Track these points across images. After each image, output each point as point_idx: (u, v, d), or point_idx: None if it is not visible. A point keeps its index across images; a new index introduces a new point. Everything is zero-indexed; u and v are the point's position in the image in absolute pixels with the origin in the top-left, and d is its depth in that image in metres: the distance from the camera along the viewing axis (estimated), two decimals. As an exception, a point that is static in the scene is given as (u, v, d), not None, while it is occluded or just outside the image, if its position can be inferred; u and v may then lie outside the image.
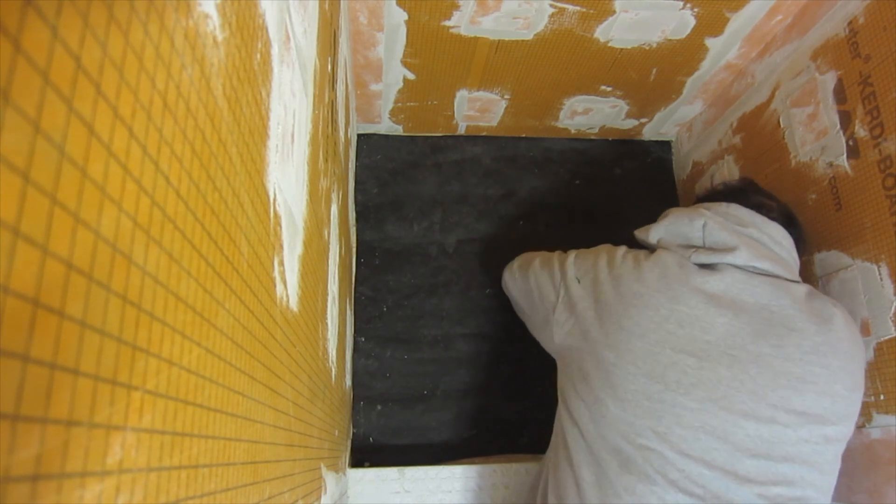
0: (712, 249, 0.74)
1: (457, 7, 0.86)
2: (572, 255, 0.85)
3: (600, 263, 0.79)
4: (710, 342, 0.69)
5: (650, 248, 0.80)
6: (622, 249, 0.80)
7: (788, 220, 0.80)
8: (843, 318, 0.71)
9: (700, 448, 0.66)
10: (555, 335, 0.82)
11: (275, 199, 0.37)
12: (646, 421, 0.68)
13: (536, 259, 0.91)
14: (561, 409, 0.81)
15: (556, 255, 0.88)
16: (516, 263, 0.99)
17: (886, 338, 0.72)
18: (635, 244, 0.84)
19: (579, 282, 0.80)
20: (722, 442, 0.66)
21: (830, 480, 0.68)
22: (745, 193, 0.83)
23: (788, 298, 0.71)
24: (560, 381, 0.82)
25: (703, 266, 0.74)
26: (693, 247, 0.76)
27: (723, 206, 0.79)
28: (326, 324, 0.68)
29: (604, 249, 0.82)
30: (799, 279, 0.75)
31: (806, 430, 0.66)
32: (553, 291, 0.84)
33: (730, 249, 0.73)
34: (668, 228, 0.79)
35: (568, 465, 0.74)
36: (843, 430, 0.68)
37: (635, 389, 0.69)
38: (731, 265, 0.73)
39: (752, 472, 0.65)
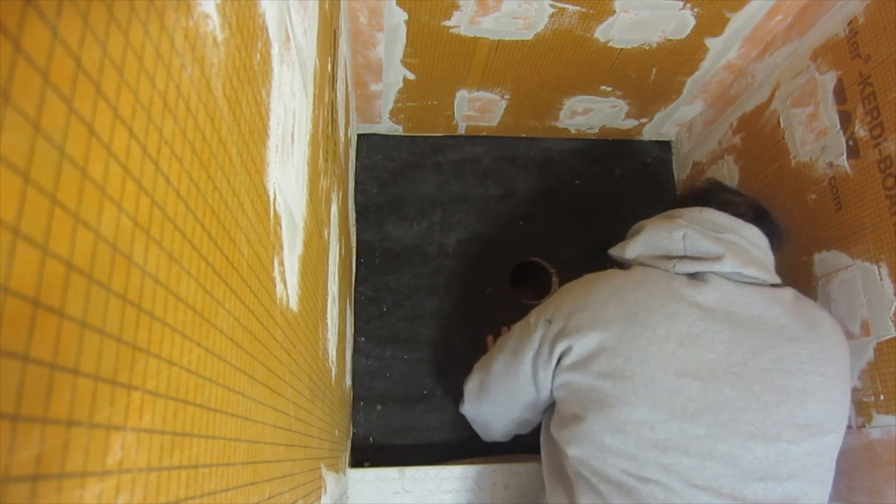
0: (696, 258, 0.71)
1: (457, 7, 0.86)
2: (531, 312, 0.79)
3: (571, 294, 0.74)
4: (712, 361, 0.65)
5: (626, 266, 0.77)
6: (590, 275, 0.75)
7: (760, 214, 0.78)
8: (830, 321, 0.71)
9: (707, 476, 0.63)
10: (541, 391, 0.76)
11: (275, 199, 0.37)
12: (650, 453, 0.64)
13: (490, 357, 0.84)
14: (549, 439, 0.76)
15: (514, 327, 0.82)
16: (471, 382, 0.89)
17: (886, 338, 0.72)
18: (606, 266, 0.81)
19: (551, 322, 0.73)
20: (730, 467, 0.63)
21: (827, 491, 0.67)
22: (709, 193, 0.81)
23: (779, 307, 0.69)
24: (545, 418, 0.77)
25: (690, 277, 0.71)
26: (675, 257, 0.72)
27: (696, 212, 0.75)
28: (326, 324, 0.68)
29: (572, 283, 0.77)
30: (778, 279, 0.74)
31: (809, 443, 0.65)
32: (527, 350, 0.75)
33: (716, 258, 0.70)
34: (646, 244, 0.75)
35: (567, 497, 0.71)
36: (839, 437, 0.68)
37: (637, 420, 0.65)
38: (718, 274, 0.70)
39: (759, 496, 0.63)
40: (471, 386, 0.89)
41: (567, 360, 0.71)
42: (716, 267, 0.70)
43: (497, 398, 0.83)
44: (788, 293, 0.71)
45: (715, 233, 0.73)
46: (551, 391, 0.75)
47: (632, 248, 0.76)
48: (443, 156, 1.23)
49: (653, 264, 0.73)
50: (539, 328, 0.74)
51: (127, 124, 0.18)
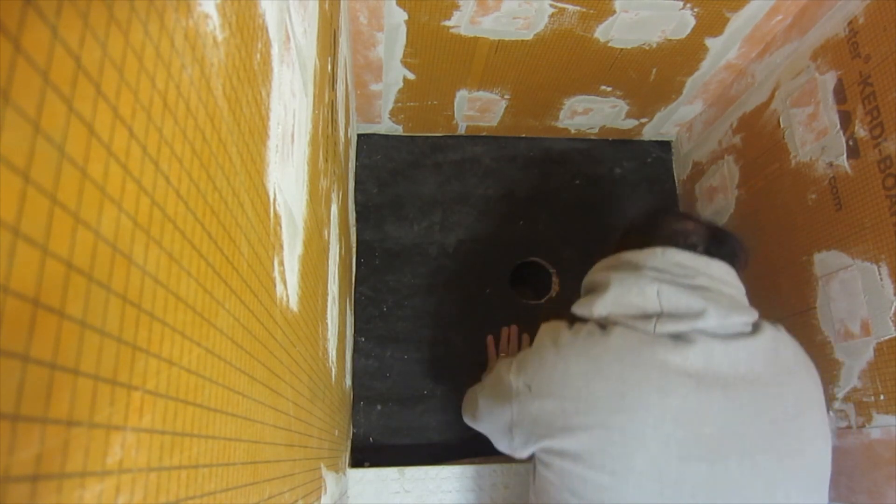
0: (677, 316, 0.66)
1: (457, 7, 0.86)
2: (514, 362, 0.73)
3: (547, 363, 0.68)
4: (712, 437, 0.61)
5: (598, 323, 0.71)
6: (566, 335, 0.69)
7: (716, 237, 0.73)
8: (805, 364, 0.69)
9: None
10: (517, 454, 0.72)
11: (275, 199, 0.37)
12: None
13: (481, 390, 0.81)
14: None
15: (500, 367, 0.76)
16: (465, 404, 0.88)
17: (886, 338, 0.72)
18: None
19: (531, 389, 0.68)
20: None
21: None
22: (660, 225, 0.74)
23: (762, 360, 0.65)
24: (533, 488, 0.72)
25: (672, 337, 0.65)
26: (652, 316, 0.66)
27: (658, 256, 0.69)
28: (326, 324, 0.68)
29: (546, 338, 0.71)
30: (755, 312, 0.69)
31: (812, 499, 0.63)
32: (506, 410, 0.71)
33: (698, 314, 0.65)
34: (616, 302, 0.69)
35: None
36: (828, 484, 0.66)
37: None
38: (702, 332, 0.65)
39: None
40: (466, 410, 0.87)
41: (554, 449, 0.66)
42: (699, 324, 0.65)
43: (485, 428, 0.81)
44: (767, 337, 0.67)
45: (685, 280, 0.68)
46: (528, 457, 0.72)
47: (600, 307, 0.70)
48: (443, 156, 1.23)
49: (629, 324, 0.67)
50: (520, 394, 0.70)
51: (127, 124, 0.18)
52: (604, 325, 0.69)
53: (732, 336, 0.66)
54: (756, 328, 0.68)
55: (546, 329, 0.74)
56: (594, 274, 0.75)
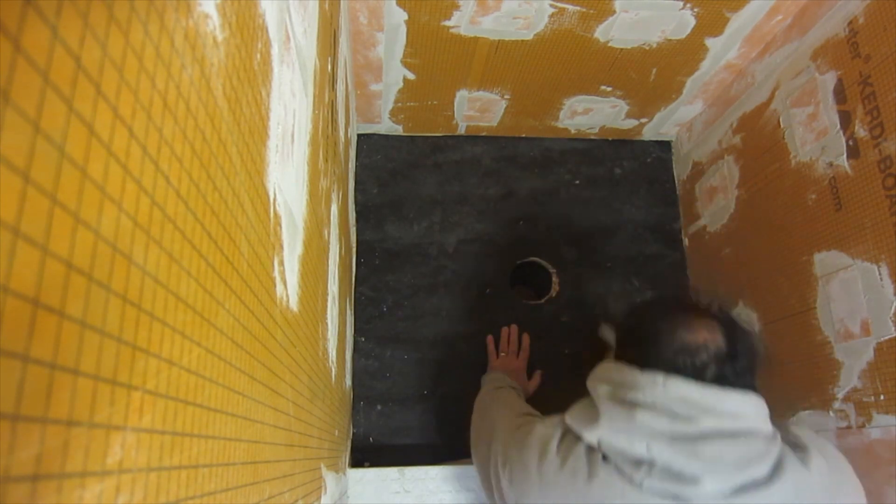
0: (668, 475, 0.58)
1: (457, 7, 0.86)
2: (507, 463, 0.68)
3: (532, 486, 0.64)
4: None
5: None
6: (553, 462, 0.64)
7: (733, 355, 0.62)
8: (839, 495, 0.60)
9: None
10: None
11: (275, 199, 0.37)
12: None
13: (484, 450, 0.76)
14: None
15: (495, 453, 0.71)
16: (475, 452, 0.83)
17: (886, 338, 0.72)
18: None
19: None
20: None
21: None
22: (668, 333, 0.63)
23: None
24: None
25: (662, 494, 0.58)
26: (643, 463, 0.59)
27: (659, 388, 0.60)
28: (326, 324, 0.68)
29: (534, 453, 0.66)
30: (773, 444, 0.60)
31: None
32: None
33: (691, 481, 0.57)
34: (605, 435, 0.62)
35: None
36: None
37: None
38: (698, 493, 0.57)
39: None
40: (476, 460, 0.82)
41: None
42: (690, 491, 0.57)
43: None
44: (787, 483, 0.57)
45: (688, 423, 0.59)
46: None
47: (590, 435, 0.63)
48: (443, 156, 1.23)
49: (618, 464, 0.61)
50: (510, 497, 0.67)
51: (127, 124, 0.18)
52: (594, 448, 0.63)
53: (739, 491, 0.57)
54: (776, 470, 0.58)
55: (537, 437, 0.68)
56: (594, 381, 0.68)
